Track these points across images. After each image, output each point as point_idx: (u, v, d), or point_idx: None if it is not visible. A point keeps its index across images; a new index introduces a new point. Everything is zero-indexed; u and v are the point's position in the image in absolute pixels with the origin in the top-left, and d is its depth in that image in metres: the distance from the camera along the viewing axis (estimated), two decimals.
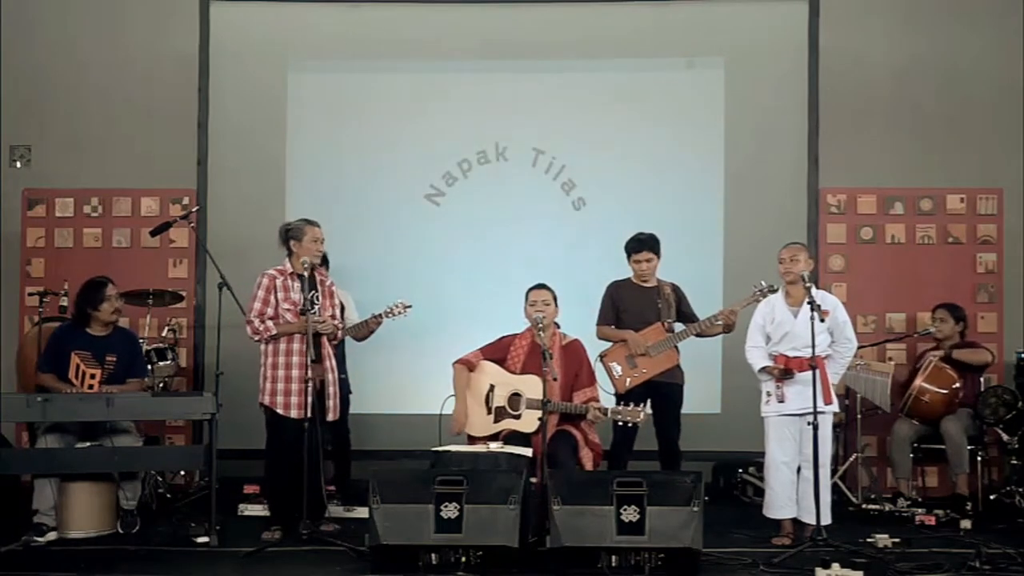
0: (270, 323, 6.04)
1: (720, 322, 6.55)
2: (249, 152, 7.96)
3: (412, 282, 7.76)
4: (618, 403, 6.33)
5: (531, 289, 6.45)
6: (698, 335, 6.62)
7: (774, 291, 6.33)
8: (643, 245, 6.65)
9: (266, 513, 6.52)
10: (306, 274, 6.08)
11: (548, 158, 7.94)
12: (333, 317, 6.23)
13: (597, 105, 7.91)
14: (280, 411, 6.00)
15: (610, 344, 6.63)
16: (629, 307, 6.63)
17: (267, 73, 7.99)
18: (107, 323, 6.38)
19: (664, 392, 6.53)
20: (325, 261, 6.91)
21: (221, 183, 7.93)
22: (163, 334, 7.50)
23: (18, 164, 8.01)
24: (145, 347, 7.06)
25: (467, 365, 6.37)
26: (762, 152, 7.86)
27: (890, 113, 7.88)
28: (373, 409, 7.24)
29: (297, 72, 8.02)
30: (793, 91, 7.83)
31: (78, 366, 6.28)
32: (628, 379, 6.49)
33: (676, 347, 6.59)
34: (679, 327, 6.62)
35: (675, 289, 6.75)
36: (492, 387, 6.32)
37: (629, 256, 6.68)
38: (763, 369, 6.03)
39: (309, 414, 5.86)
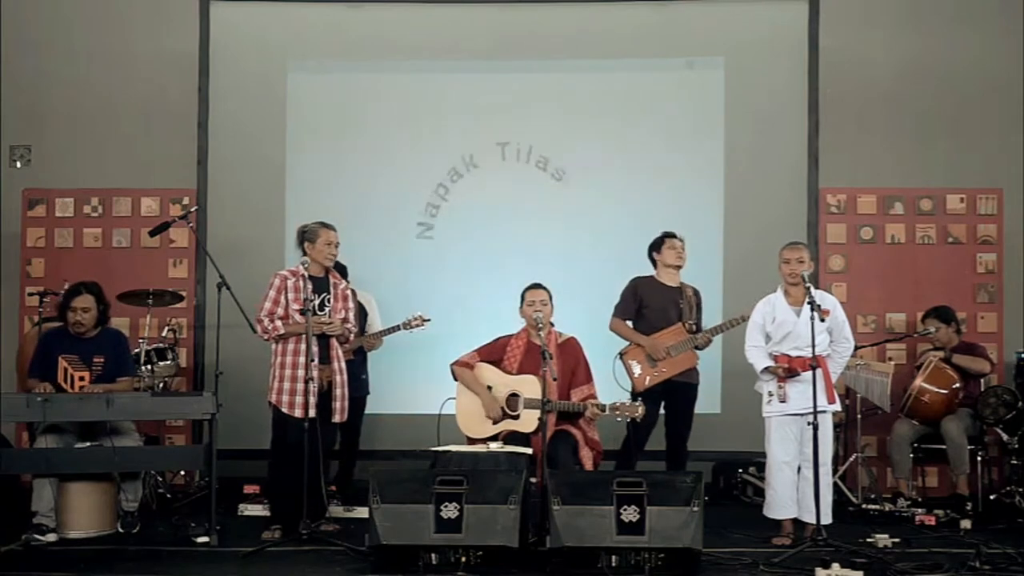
0: (279, 323, 6.04)
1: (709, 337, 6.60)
2: (249, 152, 7.96)
3: (411, 282, 7.77)
4: (634, 400, 6.32)
5: (527, 289, 6.44)
6: (698, 347, 6.62)
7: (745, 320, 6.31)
8: (674, 233, 6.69)
9: (266, 513, 6.53)
10: (314, 275, 6.07)
11: (548, 158, 7.93)
12: (346, 320, 6.21)
13: (597, 105, 7.92)
14: (285, 410, 6.00)
15: (628, 343, 6.63)
16: (652, 304, 6.62)
17: (267, 73, 7.99)
18: (76, 333, 6.37)
19: (681, 391, 6.56)
20: (343, 272, 6.75)
21: (221, 183, 7.93)
22: (163, 334, 7.49)
23: (18, 164, 8.01)
24: (145, 347, 7.06)
25: (465, 367, 6.38)
26: (762, 152, 7.86)
27: (890, 113, 7.88)
28: (373, 409, 7.23)
29: (297, 72, 8.02)
30: (793, 91, 7.83)
31: (66, 370, 6.27)
32: (648, 378, 6.50)
33: (695, 348, 6.59)
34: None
35: (696, 293, 6.77)
36: (490, 388, 6.32)
37: (661, 244, 6.67)
38: (766, 369, 6.03)
39: (311, 414, 5.86)
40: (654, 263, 6.76)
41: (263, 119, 7.97)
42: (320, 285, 6.14)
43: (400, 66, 7.99)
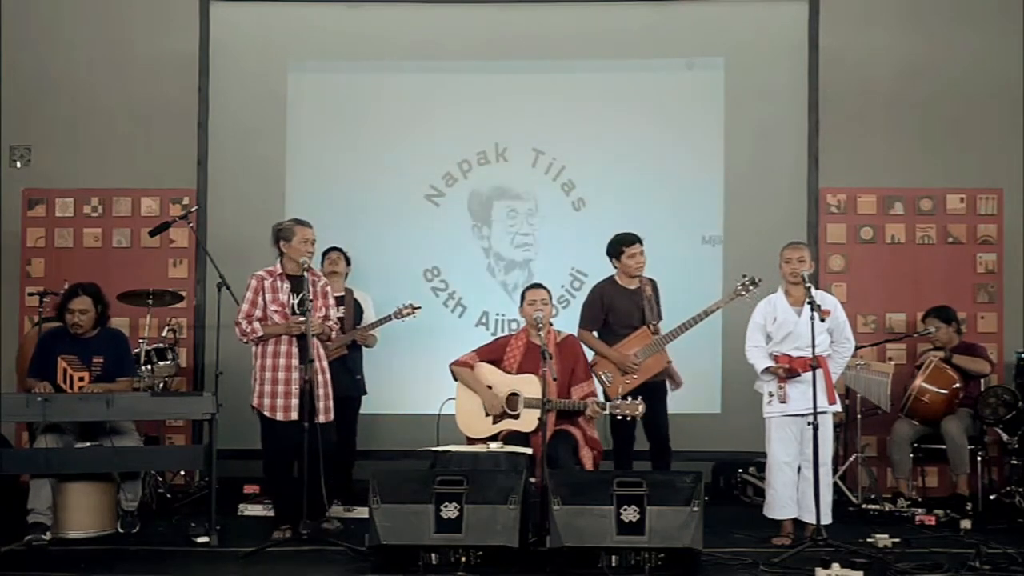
0: (257, 324, 5.99)
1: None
2: (249, 152, 7.95)
3: (411, 283, 7.76)
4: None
5: (528, 289, 6.45)
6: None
7: (756, 284, 6.37)
8: (635, 238, 6.63)
9: (266, 513, 6.54)
10: (304, 275, 6.02)
11: (548, 158, 7.93)
12: (327, 318, 6.15)
13: (597, 105, 7.91)
14: (267, 413, 5.97)
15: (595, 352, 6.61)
16: (616, 310, 6.60)
17: (267, 73, 7.99)
18: (75, 333, 6.36)
19: (651, 390, 6.52)
20: (347, 261, 7.06)
21: (221, 183, 7.93)
22: (163, 334, 7.48)
23: (18, 164, 8.01)
24: (145, 347, 7.06)
25: (464, 367, 6.37)
26: (762, 152, 7.85)
27: (890, 113, 7.88)
28: (372, 409, 7.23)
29: (297, 72, 8.01)
30: (793, 91, 7.83)
31: (65, 370, 6.25)
32: (620, 386, 6.46)
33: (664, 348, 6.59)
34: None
35: (654, 287, 6.73)
36: (490, 388, 6.32)
37: (620, 253, 6.62)
38: (767, 370, 6.02)
39: (294, 416, 5.84)
40: (614, 267, 6.72)
41: (263, 119, 7.96)
42: (297, 284, 6.07)
43: (400, 66, 7.99)
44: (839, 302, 6.23)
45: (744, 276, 6.53)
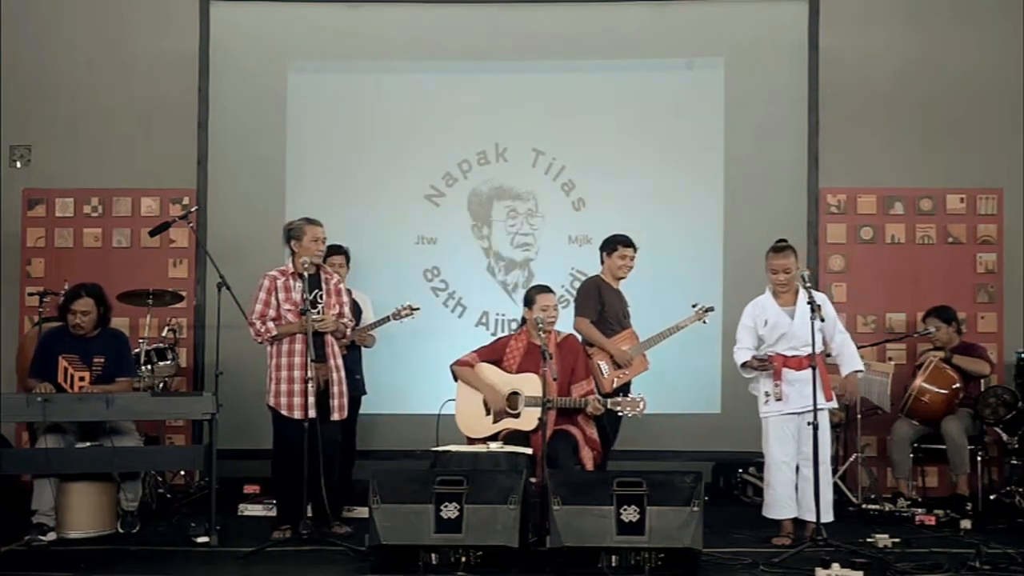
0: (271, 324, 6.02)
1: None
2: (249, 152, 7.95)
3: (411, 283, 7.76)
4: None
5: (538, 293, 6.39)
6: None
7: (710, 310, 6.53)
8: (633, 242, 6.67)
9: (266, 513, 6.53)
10: (307, 274, 6.04)
11: (548, 158, 7.93)
12: (341, 315, 6.18)
13: (597, 105, 7.91)
14: (284, 412, 5.99)
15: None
16: (609, 307, 6.63)
17: (267, 73, 7.98)
18: (77, 335, 6.36)
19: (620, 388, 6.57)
20: (346, 257, 7.00)
21: (221, 183, 7.93)
22: (163, 334, 7.48)
23: (18, 164, 8.01)
24: (145, 347, 7.06)
25: (465, 367, 6.37)
26: (762, 152, 7.85)
27: (890, 113, 7.88)
28: (372, 409, 7.23)
29: (297, 72, 8.01)
30: (793, 91, 7.83)
31: (66, 369, 6.26)
32: (614, 380, 6.50)
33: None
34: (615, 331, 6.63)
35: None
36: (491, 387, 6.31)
37: (614, 250, 6.68)
38: (744, 365, 6.01)
39: (311, 414, 5.84)
40: (602, 262, 6.76)
41: (263, 119, 7.96)
42: (311, 282, 6.07)
43: (400, 66, 7.99)
44: (827, 298, 6.22)
45: (697, 304, 6.61)
